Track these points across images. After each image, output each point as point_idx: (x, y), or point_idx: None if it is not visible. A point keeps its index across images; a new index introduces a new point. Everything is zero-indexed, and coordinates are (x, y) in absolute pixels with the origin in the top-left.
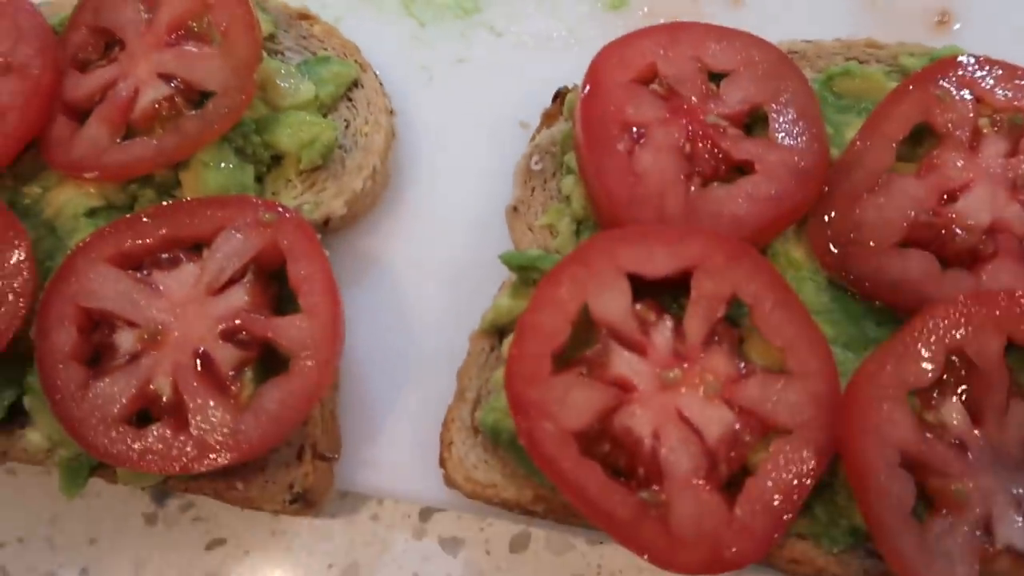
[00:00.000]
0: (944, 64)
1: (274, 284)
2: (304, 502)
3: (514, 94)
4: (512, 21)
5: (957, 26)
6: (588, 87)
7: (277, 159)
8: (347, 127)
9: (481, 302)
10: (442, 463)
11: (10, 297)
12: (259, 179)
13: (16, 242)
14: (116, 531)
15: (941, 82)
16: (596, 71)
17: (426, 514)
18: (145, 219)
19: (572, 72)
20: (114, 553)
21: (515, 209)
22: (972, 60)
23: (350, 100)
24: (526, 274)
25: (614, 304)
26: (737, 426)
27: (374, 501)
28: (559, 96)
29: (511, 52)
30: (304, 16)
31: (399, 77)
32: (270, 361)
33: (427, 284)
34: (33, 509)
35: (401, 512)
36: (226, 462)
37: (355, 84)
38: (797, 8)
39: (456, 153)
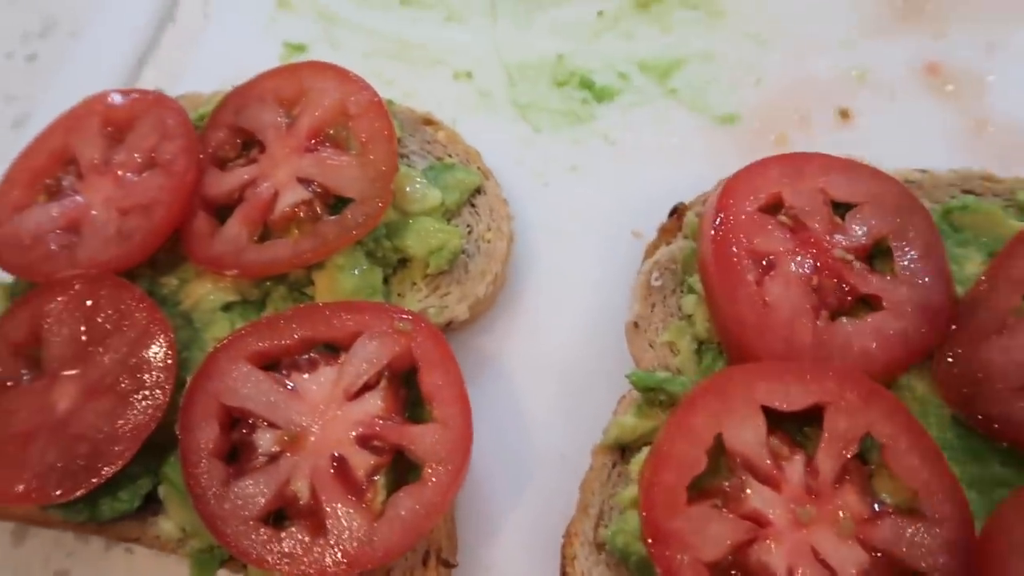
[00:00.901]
0: None
1: (404, 388)
2: None
3: (626, 203)
4: (625, 131)
5: None
6: (719, 216)
7: (404, 262)
8: (470, 232)
9: (595, 408)
10: None
11: (154, 390)
12: (385, 281)
13: (160, 335)
14: None
15: None
16: (725, 200)
17: None
18: (284, 321)
19: (684, 183)
20: None
21: (636, 325)
22: None
23: (473, 206)
24: (652, 395)
25: (750, 437)
26: (870, 567)
27: None
28: (677, 212)
29: (623, 161)
30: (429, 122)
31: (514, 181)
32: (399, 466)
33: (541, 387)
34: None
35: None
36: (359, 569)
37: (478, 191)
38: (905, 129)
39: (569, 258)
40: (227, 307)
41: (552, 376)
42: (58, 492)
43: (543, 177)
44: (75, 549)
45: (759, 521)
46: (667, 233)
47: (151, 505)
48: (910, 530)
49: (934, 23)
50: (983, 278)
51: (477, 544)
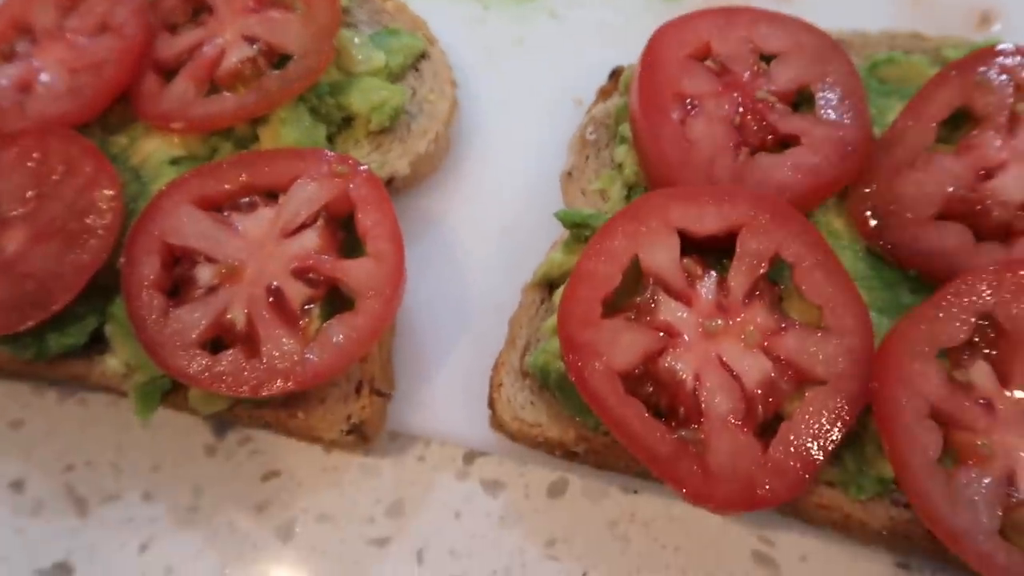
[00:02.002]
0: (985, 52)
1: (342, 231)
2: (359, 434)
3: (569, 74)
4: (571, 7)
5: (997, 27)
6: (646, 60)
7: (348, 121)
8: (413, 95)
9: (532, 259)
10: (491, 404)
11: (99, 232)
12: (330, 138)
13: (107, 182)
14: (178, 460)
15: (982, 68)
16: (654, 46)
17: (470, 457)
18: (227, 166)
19: (626, 56)
20: (175, 480)
21: (569, 175)
22: (1012, 48)
23: (417, 70)
24: (579, 231)
25: (663, 256)
26: (774, 374)
27: (421, 443)
28: (615, 74)
29: (568, 36)
30: None
31: (462, 55)
32: (335, 301)
33: (482, 242)
34: (101, 436)
35: (447, 455)
36: (292, 387)
37: (422, 56)
38: (843, 2)
39: (513, 126)
40: (175, 162)
41: (492, 233)
42: (5, 325)
43: (490, 52)
44: (30, 402)
45: (670, 332)
46: (605, 94)
47: (97, 345)
48: (813, 341)
49: None
50: (899, 117)
51: (412, 384)
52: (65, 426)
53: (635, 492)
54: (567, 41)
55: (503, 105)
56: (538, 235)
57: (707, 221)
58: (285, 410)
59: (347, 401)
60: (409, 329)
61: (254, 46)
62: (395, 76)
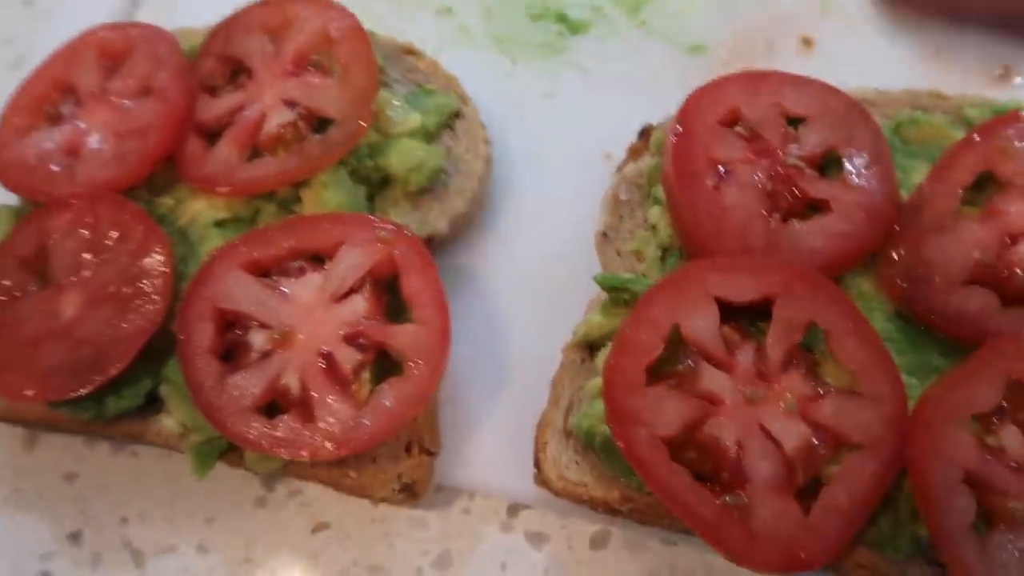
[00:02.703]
0: (1008, 118)
1: (386, 294)
2: (409, 492)
3: (598, 128)
4: (598, 61)
5: (1018, 79)
6: (680, 127)
7: (386, 181)
8: (449, 154)
9: (569, 316)
10: (537, 462)
11: (153, 296)
12: (369, 198)
13: (158, 247)
14: (229, 512)
15: (1004, 134)
16: (687, 113)
17: (513, 510)
18: (274, 232)
19: (653, 110)
20: (228, 532)
21: (604, 235)
22: None
23: (452, 129)
24: (617, 294)
25: (703, 325)
26: (813, 440)
27: (466, 496)
28: (645, 133)
29: (596, 90)
30: (410, 51)
31: (493, 109)
32: (383, 363)
33: (519, 298)
34: (154, 489)
35: (491, 507)
36: (347, 452)
37: (456, 115)
38: (863, 54)
39: (544, 180)
40: (220, 224)
41: (528, 287)
42: (66, 389)
43: (520, 106)
44: (83, 454)
45: (711, 400)
46: (636, 153)
47: (153, 404)
48: (849, 407)
49: None
50: (925, 182)
51: (458, 440)
52: (119, 479)
53: (675, 544)
54: (594, 95)
55: (534, 159)
56: (573, 289)
57: (744, 291)
58: (338, 469)
59: (397, 460)
60: (450, 383)
61: (294, 110)
62: (431, 136)
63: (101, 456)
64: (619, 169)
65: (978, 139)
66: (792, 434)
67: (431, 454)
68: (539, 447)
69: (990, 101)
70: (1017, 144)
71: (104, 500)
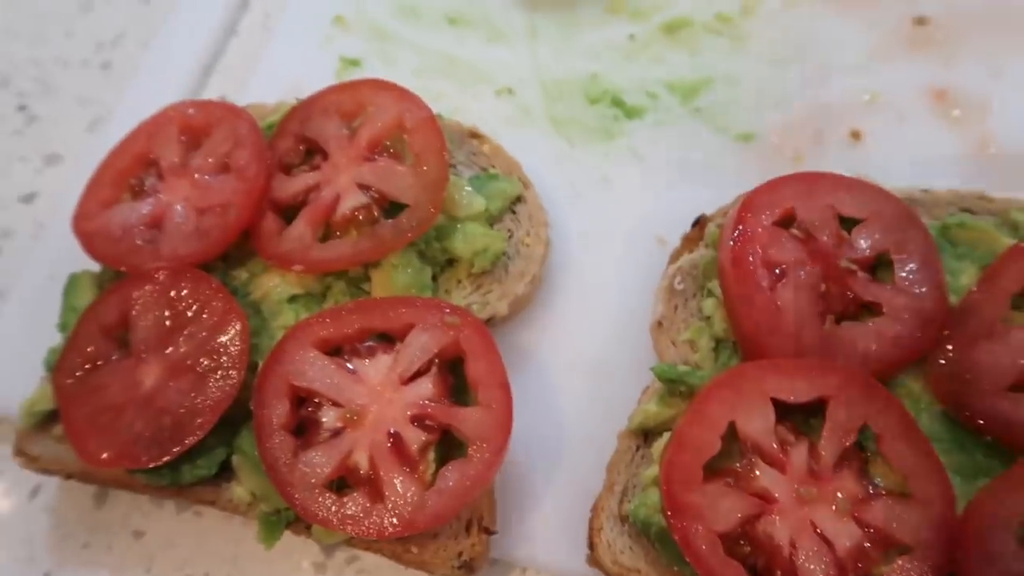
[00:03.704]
0: None
1: (451, 375)
2: (467, 568)
3: (652, 213)
4: (652, 146)
5: None
6: (737, 229)
7: (451, 262)
8: (511, 237)
9: (621, 399)
10: (591, 546)
11: (230, 370)
12: (433, 278)
13: (236, 322)
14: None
15: None
16: (744, 214)
17: None
18: (346, 312)
19: (706, 195)
20: None
21: (660, 324)
22: None
23: (514, 212)
24: (674, 386)
25: (759, 425)
26: (864, 542)
27: (519, 570)
28: (699, 223)
29: (650, 174)
30: (475, 135)
31: (551, 191)
32: (445, 443)
33: (574, 378)
34: (217, 549)
35: None
36: (411, 531)
37: (518, 199)
38: (911, 148)
39: (599, 262)
40: (292, 299)
41: (582, 369)
42: (145, 458)
43: (576, 187)
44: (150, 511)
45: (766, 498)
46: (690, 242)
47: (225, 472)
48: (899, 509)
49: (943, 50)
50: (975, 288)
51: (511, 515)
52: (184, 538)
53: None
54: (648, 179)
55: (589, 241)
56: (624, 373)
57: (799, 392)
58: (401, 544)
59: (458, 538)
60: (508, 462)
61: (367, 193)
62: (494, 219)
63: (167, 514)
64: (674, 258)
65: None
66: (844, 534)
67: (490, 533)
68: (593, 531)
69: None
70: None
71: (170, 558)
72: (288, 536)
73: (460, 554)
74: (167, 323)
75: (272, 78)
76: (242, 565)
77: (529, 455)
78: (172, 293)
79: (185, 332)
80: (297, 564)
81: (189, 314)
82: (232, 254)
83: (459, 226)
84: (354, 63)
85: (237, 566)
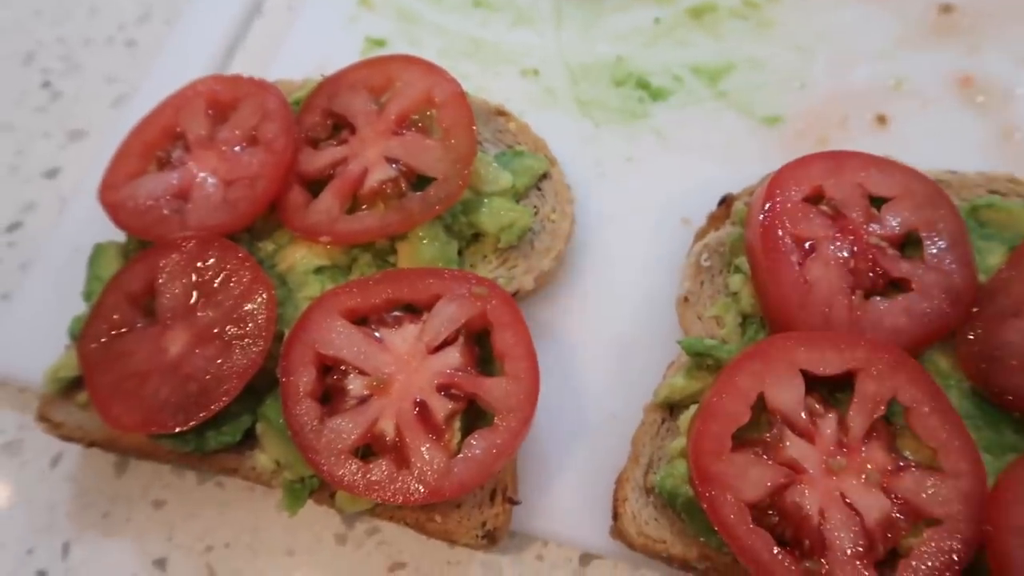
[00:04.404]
0: None
1: (477, 347)
2: (490, 538)
3: (676, 193)
4: (677, 128)
5: None
6: (767, 204)
7: (476, 237)
8: (536, 213)
9: (643, 375)
10: (616, 516)
11: (256, 338)
12: (460, 252)
13: (262, 291)
14: (311, 546)
15: None
16: (773, 190)
17: (585, 559)
18: (374, 282)
19: (729, 178)
20: (309, 565)
21: (686, 299)
22: None
23: (539, 190)
24: (701, 359)
25: (788, 396)
26: (893, 512)
27: (540, 543)
28: (725, 202)
29: (674, 155)
30: (501, 113)
31: (576, 169)
32: (470, 412)
33: (597, 354)
34: (238, 520)
35: (564, 555)
36: (438, 499)
37: (544, 176)
38: (936, 134)
39: (624, 241)
40: (318, 270)
41: (606, 344)
42: (172, 423)
43: (601, 167)
44: (171, 482)
45: (795, 468)
46: (716, 220)
47: (248, 440)
48: (929, 482)
49: (968, 38)
50: (1004, 267)
51: (534, 488)
52: (204, 508)
53: None
54: (673, 160)
55: (614, 220)
56: (648, 348)
57: (828, 364)
58: (424, 513)
59: (482, 508)
60: (532, 435)
61: (395, 167)
62: (520, 195)
63: (188, 485)
64: (699, 236)
65: None
66: (873, 505)
67: (514, 503)
68: (618, 502)
69: None
70: None
71: (190, 528)
72: (308, 508)
73: (484, 524)
74: (194, 291)
75: (297, 58)
76: (262, 536)
77: (552, 429)
78: (199, 262)
79: (212, 300)
80: (318, 535)
81: (216, 283)
82: (258, 226)
83: (486, 201)
84: (379, 43)
85: (257, 537)
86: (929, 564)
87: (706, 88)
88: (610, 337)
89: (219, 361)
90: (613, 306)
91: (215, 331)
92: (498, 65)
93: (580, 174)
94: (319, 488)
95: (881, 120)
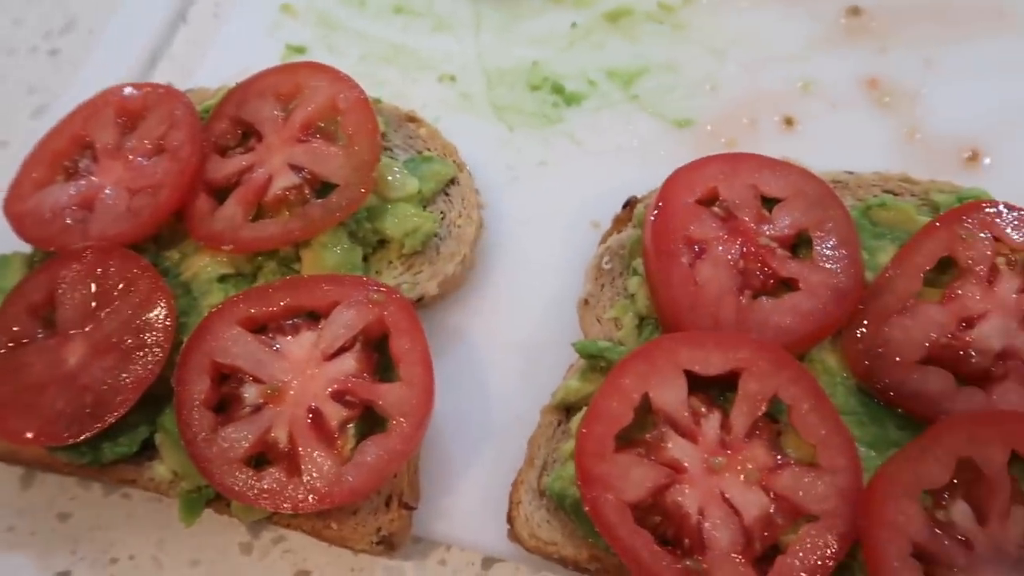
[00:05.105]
0: (969, 207)
1: (376, 352)
2: (387, 544)
3: (587, 196)
4: (590, 132)
5: (987, 161)
6: (659, 206)
7: (382, 243)
8: (443, 218)
9: (550, 377)
10: (510, 520)
11: (154, 348)
12: (365, 259)
13: (162, 301)
14: (215, 556)
15: (966, 222)
16: (666, 192)
17: (488, 563)
18: (272, 290)
19: (640, 180)
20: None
21: (586, 302)
22: (994, 205)
23: (447, 195)
24: (595, 361)
25: (671, 396)
26: (771, 509)
27: (443, 548)
28: (629, 204)
29: (587, 159)
30: (412, 119)
31: (489, 174)
32: (368, 419)
33: (503, 358)
34: (144, 531)
35: (466, 559)
36: (329, 506)
37: (452, 181)
38: (842, 135)
39: (534, 244)
40: (223, 279)
41: (514, 347)
42: (66, 435)
43: (515, 171)
44: (77, 494)
45: (676, 468)
46: (620, 223)
47: (147, 451)
48: (807, 478)
49: (877, 40)
50: (889, 265)
51: (438, 493)
52: (110, 520)
53: None
54: (586, 164)
55: (525, 224)
56: (556, 352)
57: (712, 364)
58: (320, 520)
59: (377, 514)
60: (433, 437)
61: (300, 174)
62: (426, 200)
63: (95, 496)
64: (604, 239)
65: (940, 226)
66: (752, 504)
67: (410, 508)
68: (513, 505)
69: (956, 187)
70: (976, 232)
71: (95, 540)
72: (215, 518)
73: (379, 529)
74: (93, 302)
75: (219, 66)
76: (168, 548)
77: (458, 434)
78: (98, 271)
79: (111, 310)
80: (223, 545)
81: (115, 293)
82: (165, 236)
83: (390, 207)
84: (300, 50)
85: (163, 548)
86: (804, 559)
87: (620, 91)
88: (518, 340)
89: (116, 372)
90: (522, 309)
91: (113, 341)
92: (417, 71)
93: (493, 178)
94: (216, 498)
95: (789, 122)
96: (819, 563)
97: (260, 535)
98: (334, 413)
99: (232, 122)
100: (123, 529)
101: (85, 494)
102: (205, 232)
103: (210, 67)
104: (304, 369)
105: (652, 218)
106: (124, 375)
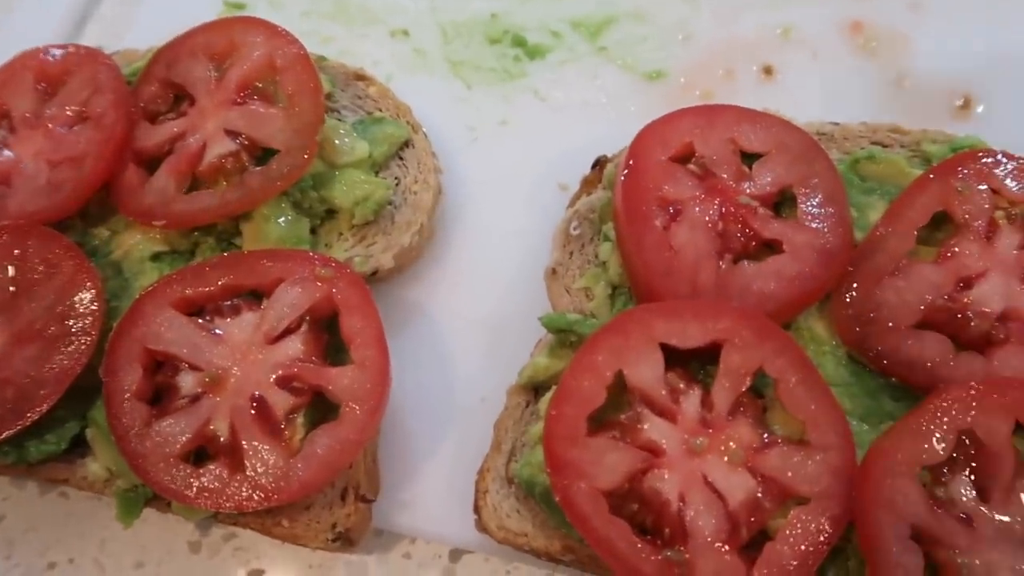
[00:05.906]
0: (964, 157)
1: (326, 333)
2: (345, 540)
3: (554, 157)
4: (555, 87)
5: (981, 108)
6: (629, 165)
7: (331, 213)
8: (397, 184)
9: (517, 354)
10: (476, 510)
11: (80, 335)
12: (313, 231)
13: (88, 283)
14: (162, 557)
15: (961, 174)
16: (637, 149)
17: (455, 555)
18: (209, 268)
19: (610, 138)
20: None
21: (553, 271)
22: (990, 155)
23: (401, 159)
24: (564, 336)
25: (647, 373)
26: (758, 493)
27: (407, 540)
28: (598, 164)
29: (552, 116)
30: (360, 77)
31: (446, 136)
32: (320, 406)
33: (466, 335)
34: (83, 532)
35: (432, 552)
36: (276, 503)
37: (406, 144)
38: (825, 84)
39: (497, 210)
40: (157, 257)
41: (476, 323)
42: None
43: (474, 132)
44: (10, 494)
45: (654, 451)
46: (589, 184)
47: (79, 448)
48: (796, 458)
49: None
50: (880, 223)
51: (398, 483)
52: (47, 521)
53: None
54: (551, 122)
55: (487, 188)
56: (523, 328)
57: (690, 336)
58: (270, 518)
59: (332, 508)
60: (392, 422)
61: (236, 140)
62: (379, 166)
63: (29, 496)
64: (572, 202)
65: (933, 179)
66: (737, 487)
67: (368, 501)
68: (479, 494)
69: (949, 137)
70: (973, 184)
71: (30, 543)
72: (160, 516)
73: (334, 525)
74: (11, 287)
75: (152, 26)
76: (109, 548)
77: (419, 419)
78: (16, 253)
79: (32, 296)
80: (170, 544)
81: (36, 276)
82: (92, 212)
83: (338, 174)
84: (238, 6)
85: (104, 549)
86: (795, 546)
87: (586, 43)
88: (481, 315)
89: (39, 363)
90: (485, 282)
91: (36, 329)
92: (365, 26)
93: (451, 140)
94: (155, 496)
95: (768, 71)
96: (811, 549)
97: (209, 532)
98: (280, 401)
99: (162, 85)
100: (61, 531)
101: (19, 493)
102: (135, 207)
103: (142, 28)
104: (246, 354)
105: (623, 178)
106: (48, 366)
